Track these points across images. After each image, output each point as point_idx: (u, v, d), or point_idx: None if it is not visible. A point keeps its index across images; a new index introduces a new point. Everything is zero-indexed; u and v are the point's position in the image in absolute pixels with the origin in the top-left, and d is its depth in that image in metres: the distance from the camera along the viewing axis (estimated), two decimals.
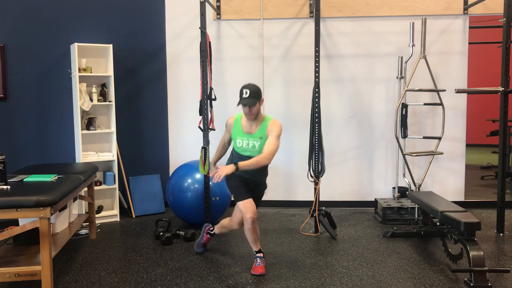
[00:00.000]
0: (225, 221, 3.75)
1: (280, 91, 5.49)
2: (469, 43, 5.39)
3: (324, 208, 4.55)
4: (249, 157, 3.43)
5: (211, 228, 3.92)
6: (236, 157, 3.54)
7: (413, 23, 4.86)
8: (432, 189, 5.47)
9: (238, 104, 3.36)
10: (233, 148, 3.61)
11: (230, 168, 3.23)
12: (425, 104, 4.90)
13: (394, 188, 5.42)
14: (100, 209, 5.01)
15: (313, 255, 3.87)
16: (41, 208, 2.91)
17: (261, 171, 3.55)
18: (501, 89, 4.37)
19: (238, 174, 3.48)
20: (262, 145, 3.42)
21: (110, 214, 5.02)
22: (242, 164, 3.27)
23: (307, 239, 4.32)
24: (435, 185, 5.48)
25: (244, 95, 3.36)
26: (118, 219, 5.04)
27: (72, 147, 5.06)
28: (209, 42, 4.60)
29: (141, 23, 5.39)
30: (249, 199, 3.42)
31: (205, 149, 4.39)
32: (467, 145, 5.54)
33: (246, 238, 4.20)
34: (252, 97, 3.34)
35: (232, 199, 3.59)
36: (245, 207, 3.38)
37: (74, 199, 4.08)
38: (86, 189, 4.45)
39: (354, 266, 3.61)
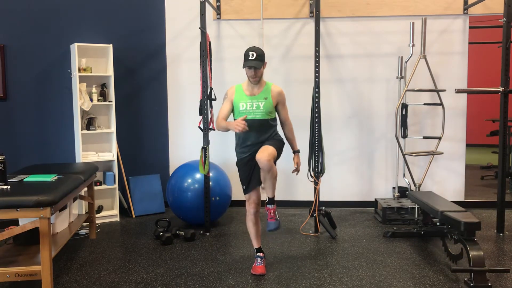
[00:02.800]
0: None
1: None
2: (469, 43, 5.39)
3: (324, 208, 4.55)
4: (252, 120, 3.33)
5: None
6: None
7: (413, 23, 4.86)
8: (432, 189, 5.47)
9: (244, 66, 3.28)
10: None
11: None
12: (425, 104, 4.90)
13: (394, 188, 5.42)
14: (100, 209, 5.01)
15: (313, 255, 3.87)
16: (41, 208, 2.91)
17: (270, 138, 3.44)
18: (501, 89, 4.37)
19: (248, 157, 3.44)
20: (266, 106, 3.36)
21: (110, 214, 5.02)
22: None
23: (307, 239, 4.32)
24: (435, 185, 5.48)
25: (250, 57, 3.27)
26: (118, 219, 5.04)
27: (72, 147, 5.06)
28: (209, 42, 4.60)
29: (141, 23, 5.39)
30: (253, 191, 3.46)
31: (205, 149, 4.39)
32: (467, 145, 5.54)
33: (246, 239, 4.21)
34: (258, 60, 3.28)
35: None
36: (249, 198, 3.47)
37: (74, 199, 4.08)
38: (86, 189, 4.45)
39: (354, 266, 3.61)
